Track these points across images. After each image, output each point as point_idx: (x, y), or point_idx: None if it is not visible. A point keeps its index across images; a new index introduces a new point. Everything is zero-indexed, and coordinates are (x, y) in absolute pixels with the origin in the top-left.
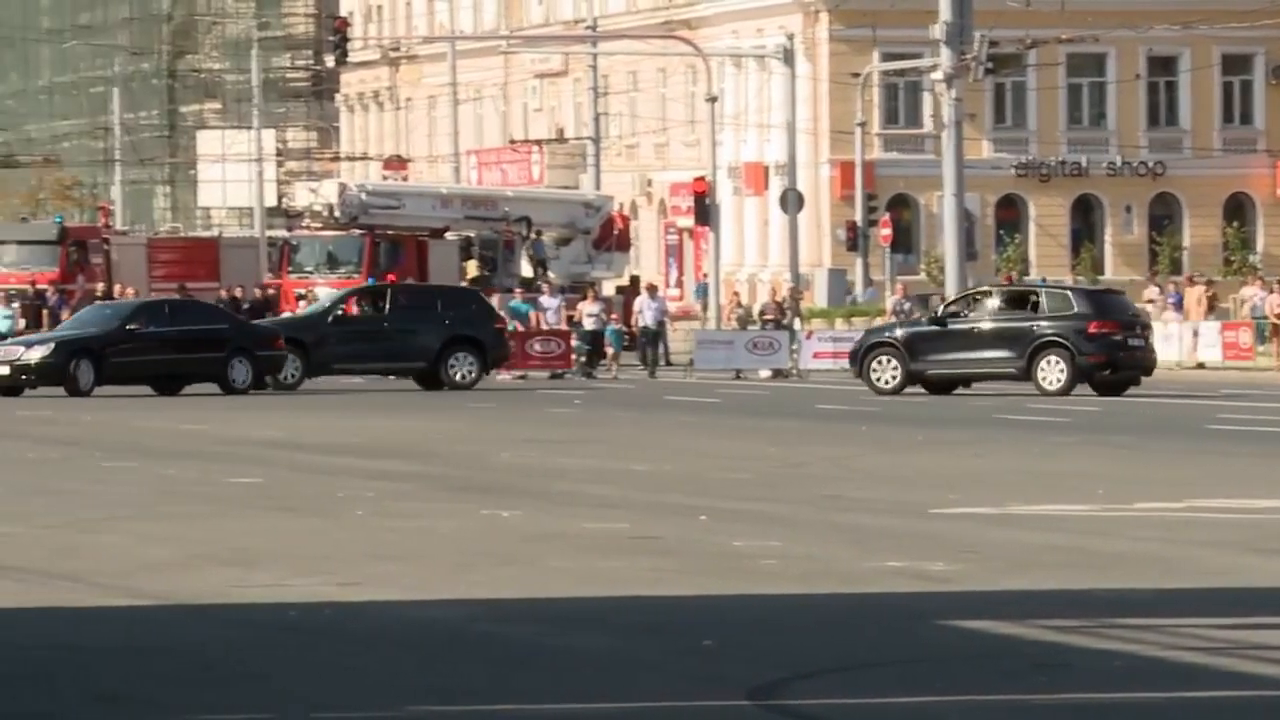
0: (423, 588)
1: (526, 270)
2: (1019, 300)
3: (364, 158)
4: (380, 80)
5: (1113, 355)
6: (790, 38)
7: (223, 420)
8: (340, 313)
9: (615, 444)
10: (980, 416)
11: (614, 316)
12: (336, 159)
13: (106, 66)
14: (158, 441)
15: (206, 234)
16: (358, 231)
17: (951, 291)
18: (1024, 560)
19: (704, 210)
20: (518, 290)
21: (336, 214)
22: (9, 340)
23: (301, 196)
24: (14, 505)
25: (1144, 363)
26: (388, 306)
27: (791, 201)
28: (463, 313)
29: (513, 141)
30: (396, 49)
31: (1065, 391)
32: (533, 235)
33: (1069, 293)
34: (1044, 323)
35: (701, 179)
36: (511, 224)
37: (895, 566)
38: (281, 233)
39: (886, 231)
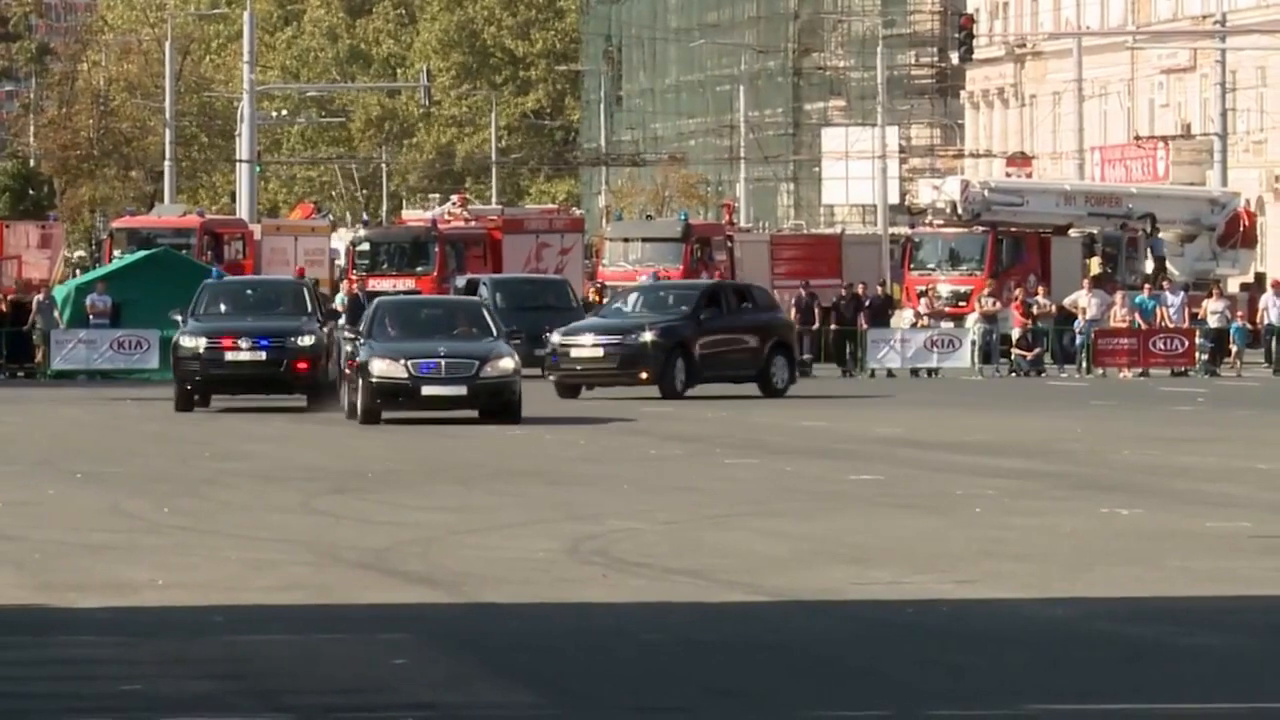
0: (1040, 586)
1: (1149, 267)
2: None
3: (987, 154)
4: (1005, 77)
5: None
6: None
7: (841, 417)
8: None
9: (1238, 442)
10: None
11: (1239, 314)
12: (960, 156)
13: (733, 65)
14: (777, 438)
15: (829, 231)
16: (980, 229)
17: None
18: None
19: None
20: (1146, 287)
21: (959, 211)
22: None
23: (924, 193)
24: (639, 502)
25: None
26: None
27: None
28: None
29: (1138, 138)
30: (1022, 45)
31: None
32: (1152, 231)
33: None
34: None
35: None
36: (1135, 221)
37: None
38: (904, 230)
39: None
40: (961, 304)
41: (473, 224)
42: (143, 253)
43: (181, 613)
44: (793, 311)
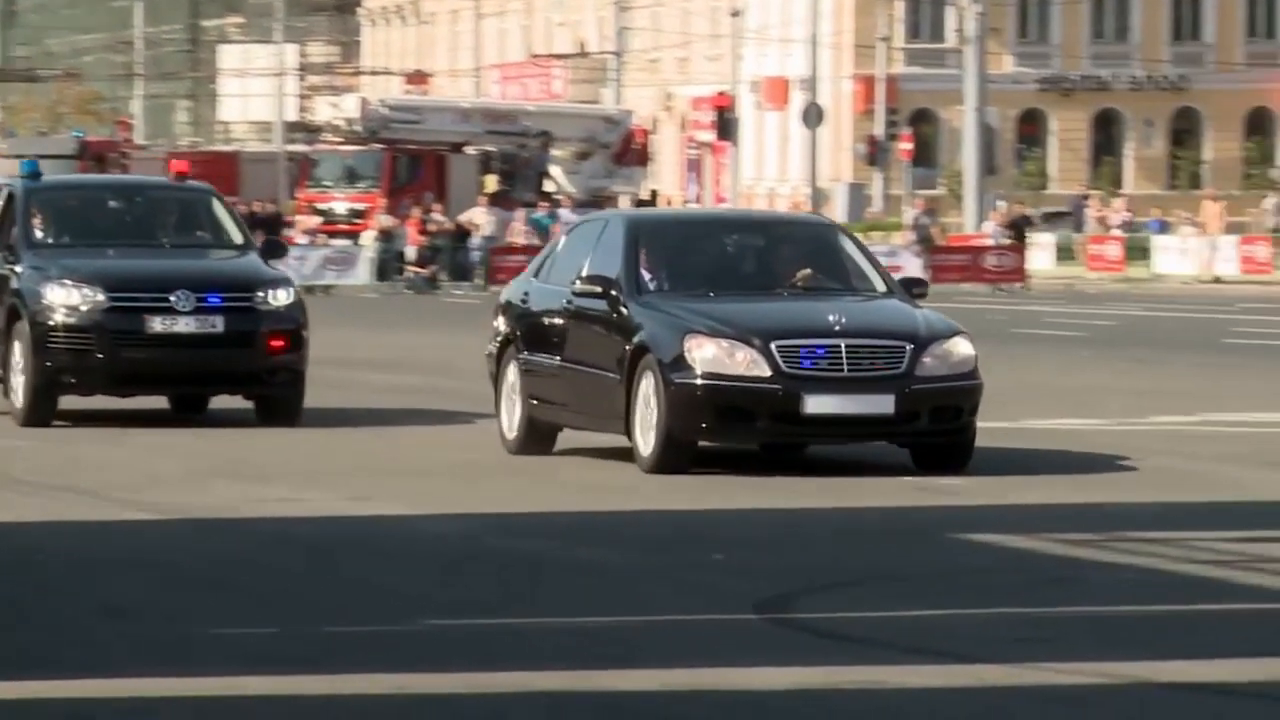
0: (431, 502)
1: (549, 184)
2: None
3: (386, 72)
4: None
5: None
6: None
7: None
8: None
9: None
10: (997, 330)
11: None
12: (358, 74)
13: None
14: None
15: (226, 148)
16: (378, 146)
17: (971, 206)
18: (1035, 474)
19: (725, 125)
20: (543, 205)
21: (357, 128)
22: None
23: (322, 111)
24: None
25: None
26: None
27: (813, 116)
28: None
29: (534, 56)
30: None
31: None
32: (543, 148)
33: None
34: None
35: (723, 93)
36: (531, 138)
37: (900, 480)
38: (302, 147)
39: (907, 146)
40: (358, 221)
41: None
42: None
43: None
44: None
